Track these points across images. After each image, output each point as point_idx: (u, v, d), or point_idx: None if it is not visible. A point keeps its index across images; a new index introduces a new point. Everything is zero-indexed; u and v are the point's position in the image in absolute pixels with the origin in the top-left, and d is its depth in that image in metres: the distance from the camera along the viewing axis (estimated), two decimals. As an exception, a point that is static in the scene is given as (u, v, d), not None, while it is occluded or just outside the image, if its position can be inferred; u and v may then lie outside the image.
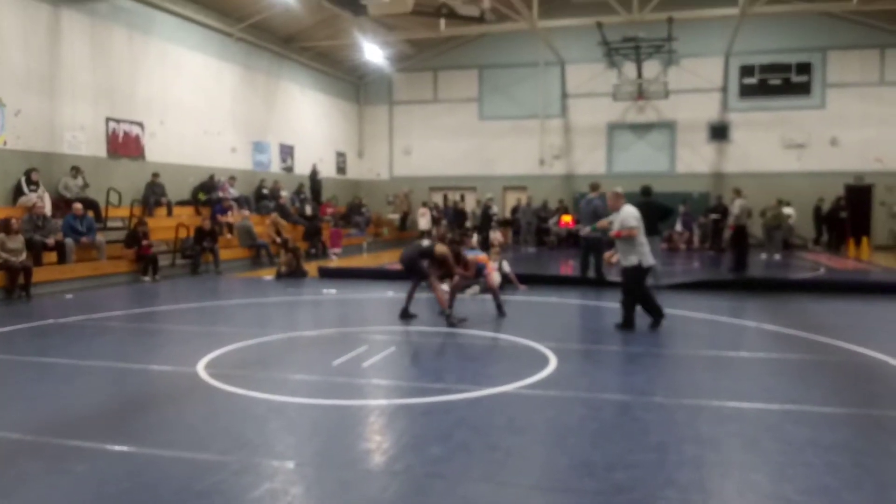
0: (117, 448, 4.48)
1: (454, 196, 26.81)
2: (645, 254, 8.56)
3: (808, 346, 7.72)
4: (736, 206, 15.93)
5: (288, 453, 4.45)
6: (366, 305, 11.26)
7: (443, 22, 22.16)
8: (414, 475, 4.07)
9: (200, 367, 6.67)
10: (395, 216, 27.27)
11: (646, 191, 12.88)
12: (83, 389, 6.10)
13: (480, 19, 20.24)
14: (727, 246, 21.60)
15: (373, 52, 23.39)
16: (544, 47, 24.42)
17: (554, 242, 24.09)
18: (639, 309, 8.66)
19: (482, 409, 5.35)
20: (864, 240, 22.09)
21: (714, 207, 22.91)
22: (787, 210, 21.60)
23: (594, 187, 13.54)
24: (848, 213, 23.02)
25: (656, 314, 8.66)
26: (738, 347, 7.67)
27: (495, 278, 11.53)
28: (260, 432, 4.87)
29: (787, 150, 24.61)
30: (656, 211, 12.73)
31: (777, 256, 19.63)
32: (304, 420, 5.17)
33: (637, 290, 8.62)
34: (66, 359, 7.10)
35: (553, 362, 6.81)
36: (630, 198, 9.24)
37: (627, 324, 8.60)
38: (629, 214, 8.68)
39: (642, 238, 8.59)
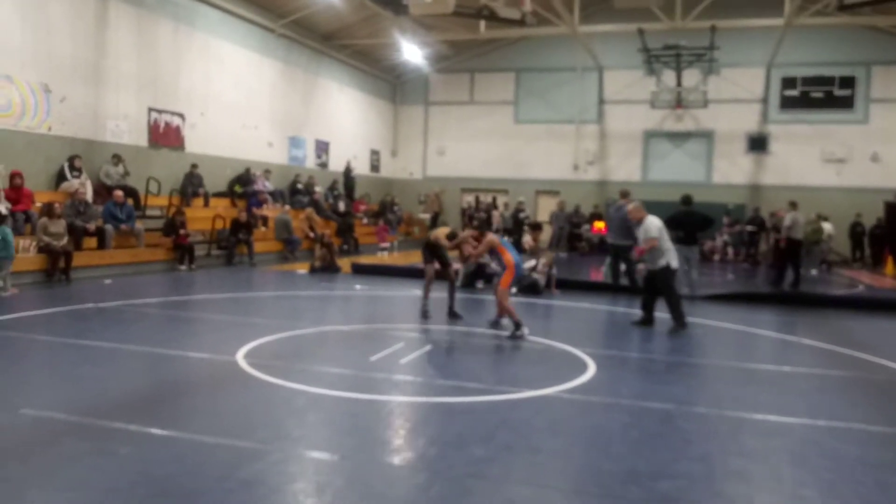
0: (161, 432, 4.52)
1: (486, 198, 26.75)
2: (672, 256, 9.06)
3: (851, 363, 7.56)
4: (788, 219, 15.44)
5: (330, 446, 4.45)
6: (399, 303, 11.27)
7: (483, 24, 22.13)
8: (456, 475, 4.05)
9: (240, 356, 6.72)
10: (426, 216, 27.30)
11: (686, 200, 12.71)
12: (125, 373, 6.17)
13: (521, 22, 20.11)
14: (766, 259, 21.36)
15: (411, 52, 23.44)
16: (583, 52, 24.27)
17: (585, 248, 23.96)
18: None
19: (524, 412, 5.31)
20: (903, 258, 21.65)
21: (751, 219, 22.58)
22: (826, 225, 21.20)
23: (624, 194, 13.40)
24: (884, 230, 22.50)
25: (681, 320, 9.00)
26: (780, 361, 7.53)
27: (541, 280, 11.82)
28: (301, 424, 4.89)
29: (826, 164, 24.19)
30: (697, 221, 12.56)
31: (814, 272, 19.30)
32: (344, 414, 5.18)
33: (669, 291, 9.06)
34: (107, 342, 7.19)
35: (592, 368, 6.75)
36: (667, 207, 9.43)
37: (648, 321, 9.25)
38: (651, 225, 9.08)
39: (666, 243, 9.10)
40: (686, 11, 20.35)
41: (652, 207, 13.18)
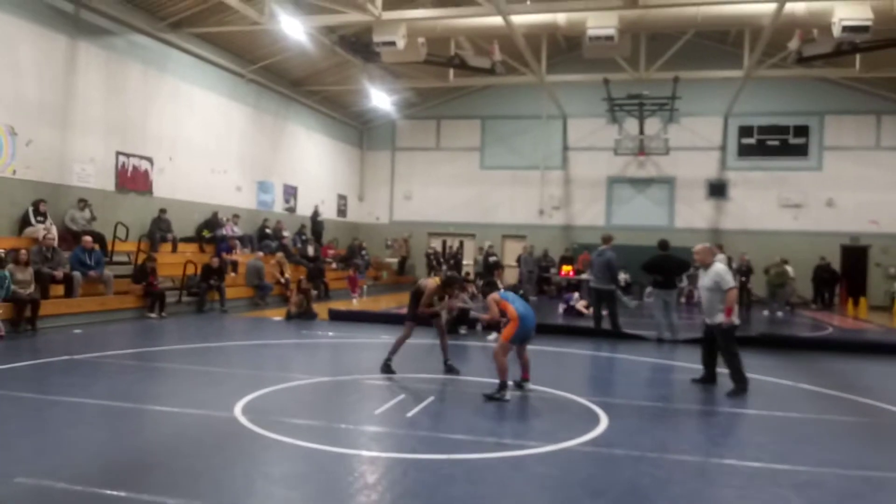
0: (180, 502, 4.20)
1: (452, 242, 26.74)
2: (736, 311, 8.14)
3: (854, 407, 7.60)
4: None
5: None
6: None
7: (452, 72, 22.41)
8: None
9: (238, 412, 6.40)
10: (394, 260, 27.13)
11: (663, 245, 12.87)
12: (123, 433, 5.79)
13: (490, 71, 20.45)
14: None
15: (379, 99, 23.51)
16: (547, 100, 24.72)
17: (553, 292, 24.04)
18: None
19: (551, 468, 5.13)
20: (862, 300, 22.29)
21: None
22: (788, 268, 21.69)
23: (606, 239, 13.47)
24: (832, 274, 23.12)
25: (741, 381, 8.02)
26: (786, 408, 7.47)
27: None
28: (329, 487, 4.61)
29: (783, 210, 24.92)
30: (675, 265, 12.72)
31: (780, 314, 19.68)
32: (369, 474, 4.90)
33: (731, 349, 8.10)
34: (95, 399, 6.77)
35: (603, 418, 6.62)
36: (630, 251, 9.03)
37: (710, 378, 8.46)
38: (726, 270, 8.17)
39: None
40: (650, 62, 20.97)
41: (616, 251, 13.38)
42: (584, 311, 17.37)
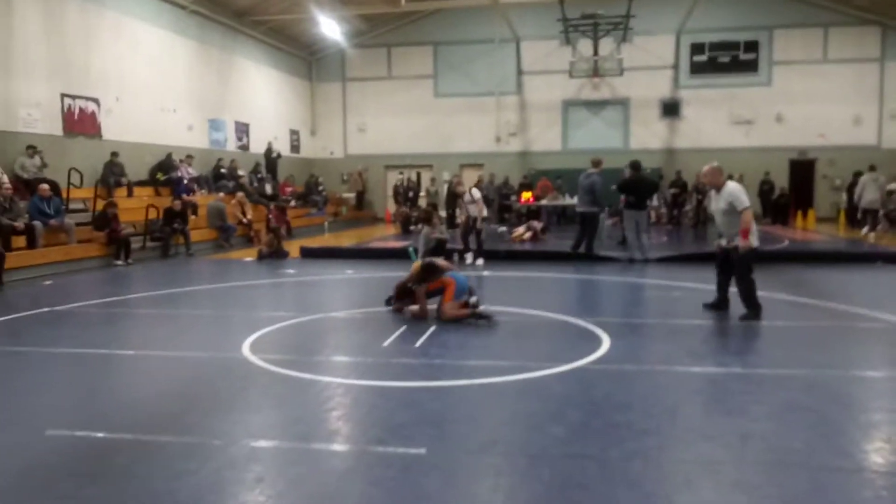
0: (217, 441, 4.21)
1: (409, 174, 26.54)
2: (754, 231, 7.62)
3: (831, 313, 8.02)
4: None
5: (411, 440, 4.21)
6: (369, 285, 11.00)
7: (403, -5, 21.76)
8: (552, 457, 3.97)
9: (246, 351, 6.38)
10: (351, 195, 26.86)
11: (635, 165, 13.02)
12: (136, 380, 5.73)
13: (444, -7, 19.93)
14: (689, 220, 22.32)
15: (329, 27, 22.78)
16: (500, 23, 24.31)
17: (514, 219, 24.22)
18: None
19: (573, 386, 5.30)
20: (810, 212, 23.15)
21: (674, 182, 23.46)
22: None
23: (596, 163, 13.39)
24: (770, 187, 23.87)
25: (754, 307, 7.64)
26: (771, 318, 7.70)
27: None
28: (363, 419, 4.69)
29: (735, 127, 25.39)
30: (648, 186, 12.93)
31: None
32: (399, 404, 4.94)
33: (747, 275, 7.62)
34: (95, 349, 6.65)
35: (604, 337, 6.82)
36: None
37: (722, 303, 8.01)
38: (740, 191, 7.57)
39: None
40: (604, -20, 20.72)
41: (573, 175, 13.45)
42: (541, 235, 17.68)
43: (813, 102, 24.50)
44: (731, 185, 7.71)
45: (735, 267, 7.71)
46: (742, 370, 5.66)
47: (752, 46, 24.99)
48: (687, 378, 5.51)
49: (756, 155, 24.78)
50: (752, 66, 25.07)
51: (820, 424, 4.43)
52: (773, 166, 24.40)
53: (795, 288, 9.69)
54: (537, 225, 18.24)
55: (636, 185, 12.81)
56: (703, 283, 10.04)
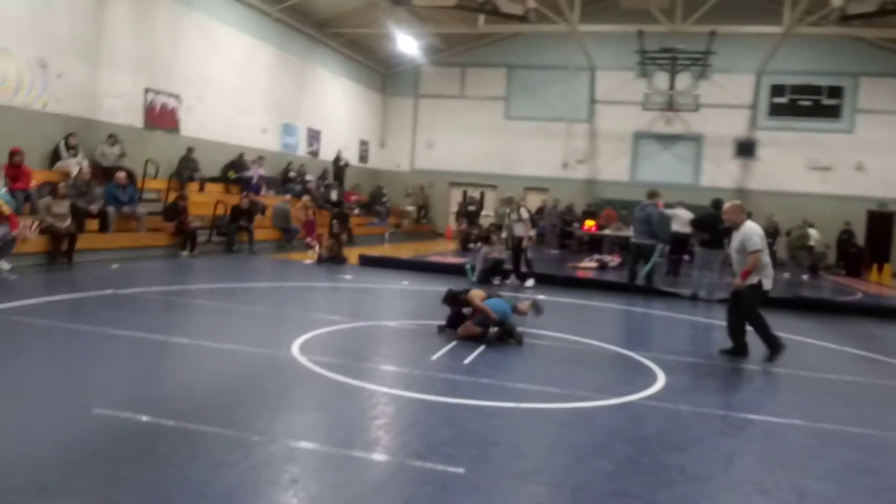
0: (257, 438, 4.19)
1: (474, 193, 26.56)
2: (769, 274, 7.45)
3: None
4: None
5: (451, 458, 4.10)
6: (425, 298, 10.94)
7: (482, 18, 21.87)
8: (596, 492, 3.81)
9: (296, 351, 6.40)
10: (412, 208, 27.02)
11: (717, 204, 12.63)
12: (187, 368, 5.83)
13: (523, 18, 19.95)
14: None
15: (406, 43, 23.06)
16: (576, 51, 24.15)
17: (574, 246, 23.93)
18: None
19: (623, 420, 5.12)
20: (887, 266, 22.13)
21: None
22: (812, 231, 21.51)
23: (651, 195, 13.27)
24: (850, 237, 22.93)
25: (774, 344, 7.41)
26: (837, 371, 7.39)
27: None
28: (404, 431, 4.61)
29: (812, 172, 24.57)
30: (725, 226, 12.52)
31: (804, 277, 19.60)
32: (442, 420, 4.85)
33: (753, 312, 7.43)
34: (150, 333, 6.75)
35: (659, 373, 6.59)
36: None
37: (739, 350, 7.60)
38: (754, 232, 7.43)
39: (766, 258, 7.49)
40: (686, 15, 20.42)
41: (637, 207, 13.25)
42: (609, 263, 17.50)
43: (896, 154, 23.54)
44: (748, 226, 7.58)
45: (741, 306, 7.53)
46: (803, 422, 5.36)
47: (835, 92, 24.20)
48: (744, 425, 5.25)
49: (832, 203, 23.90)
50: (834, 112, 24.26)
51: (885, 489, 4.15)
52: (851, 216, 23.45)
53: (865, 342, 9.22)
54: (608, 259, 17.99)
55: (713, 223, 12.42)
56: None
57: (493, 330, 7.55)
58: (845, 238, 23.00)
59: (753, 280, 7.40)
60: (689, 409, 5.52)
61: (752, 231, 7.48)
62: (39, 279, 9.84)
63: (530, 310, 7.98)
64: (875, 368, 7.76)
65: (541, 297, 11.59)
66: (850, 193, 24.05)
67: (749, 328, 7.58)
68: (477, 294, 7.67)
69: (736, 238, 7.66)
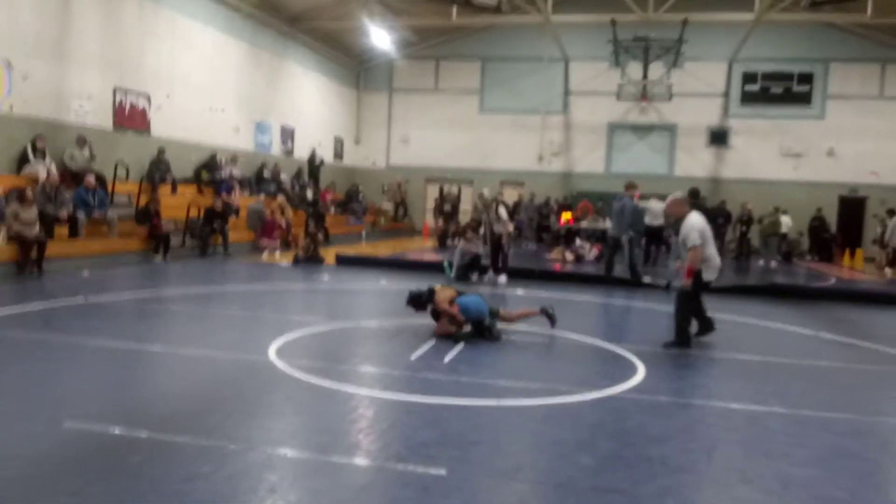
0: (234, 447, 4.10)
1: (450, 188, 26.47)
2: (712, 266, 7.41)
3: (879, 356, 7.63)
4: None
5: (433, 459, 4.05)
6: (401, 297, 10.85)
7: (455, 10, 21.77)
8: (579, 488, 3.78)
9: (272, 356, 6.29)
10: (389, 205, 26.89)
11: (695, 193, 12.66)
12: (159, 377, 5.70)
13: (496, 9, 19.92)
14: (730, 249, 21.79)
15: (379, 37, 22.90)
16: (550, 42, 24.15)
17: (551, 240, 23.94)
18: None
19: (605, 414, 5.09)
20: (859, 251, 22.41)
21: (717, 211, 22.93)
22: (784, 218, 21.74)
23: (629, 187, 13.27)
24: (822, 224, 23.22)
25: (683, 336, 7.46)
26: (815, 357, 7.47)
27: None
28: (384, 434, 4.53)
29: (784, 159, 24.83)
30: (707, 215, 12.57)
31: (773, 263, 19.82)
32: (423, 421, 4.78)
33: (684, 294, 7.41)
34: (123, 342, 6.61)
35: (639, 365, 6.58)
36: None
37: (706, 326, 7.73)
38: (692, 227, 7.28)
39: (710, 250, 7.39)
40: (658, 4, 20.47)
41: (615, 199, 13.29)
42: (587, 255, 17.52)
43: (867, 139, 23.84)
44: (689, 220, 7.43)
45: (676, 296, 7.54)
46: (784, 410, 5.37)
47: (806, 78, 24.44)
48: (725, 414, 5.25)
49: (805, 189, 24.17)
50: (805, 99, 24.51)
51: (869, 474, 4.16)
52: (823, 202, 23.74)
53: (841, 327, 9.30)
54: (582, 250, 18.00)
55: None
56: (744, 316, 9.76)
57: (468, 328, 7.50)
58: (817, 224, 23.28)
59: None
60: (669, 401, 5.52)
61: (690, 227, 7.34)
62: (8, 289, 9.62)
63: (546, 319, 7.97)
64: (851, 353, 7.81)
65: (519, 292, 11.63)
66: (821, 180, 24.33)
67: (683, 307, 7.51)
68: (444, 296, 7.60)
69: (681, 231, 7.60)
